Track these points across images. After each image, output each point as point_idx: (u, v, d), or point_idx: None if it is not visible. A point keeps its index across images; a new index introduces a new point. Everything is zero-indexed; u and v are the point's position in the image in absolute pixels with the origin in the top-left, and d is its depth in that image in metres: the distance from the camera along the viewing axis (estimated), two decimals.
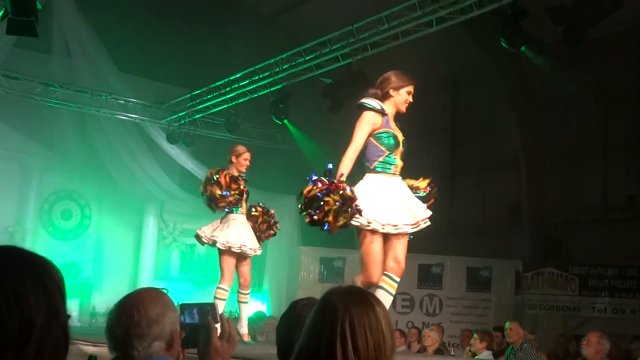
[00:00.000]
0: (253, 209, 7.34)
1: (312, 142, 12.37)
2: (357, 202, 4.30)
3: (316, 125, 12.21)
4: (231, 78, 11.01)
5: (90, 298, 12.19)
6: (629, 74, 10.94)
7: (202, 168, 12.18)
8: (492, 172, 12.06)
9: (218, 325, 2.13)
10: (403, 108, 4.89)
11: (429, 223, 4.80)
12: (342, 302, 1.67)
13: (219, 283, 7.10)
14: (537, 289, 11.11)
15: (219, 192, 6.89)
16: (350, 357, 1.60)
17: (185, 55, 12.20)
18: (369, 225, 4.53)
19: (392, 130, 4.76)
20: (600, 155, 11.38)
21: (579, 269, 10.85)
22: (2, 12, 7.17)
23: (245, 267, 7.22)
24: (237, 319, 7.69)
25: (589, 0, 7.09)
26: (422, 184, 5.11)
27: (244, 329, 7.24)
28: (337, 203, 4.20)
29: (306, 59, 9.86)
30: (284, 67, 10.21)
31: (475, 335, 8.10)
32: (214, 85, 11.35)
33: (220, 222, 7.20)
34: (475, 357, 7.87)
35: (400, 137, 4.83)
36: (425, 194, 5.06)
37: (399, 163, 4.79)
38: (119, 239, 13.02)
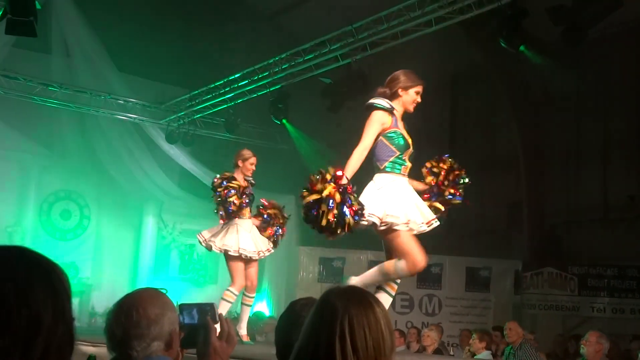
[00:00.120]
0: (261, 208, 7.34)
1: (311, 142, 12.37)
2: (355, 205, 4.27)
3: (315, 125, 12.21)
4: (230, 78, 11.02)
5: (89, 298, 12.19)
6: (629, 73, 10.94)
7: (201, 168, 12.20)
8: (491, 172, 12.05)
9: (218, 326, 2.13)
10: (411, 108, 4.85)
11: (438, 222, 4.78)
12: (341, 302, 1.67)
13: (230, 286, 7.09)
14: (536, 289, 11.11)
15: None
16: (349, 357, 1.60)
17: (185, 55, 12.20)
18: (407, 224, 4.50)
19: (401, 131, 4.73)
20: (599, 155, 11.38)
21: (578, 268, 10.85)
22: (1, 12, 7.17)
23: (252, 270, 7.18)
24: (236, 320, 7.68)
25: (588, 0, 7.09)
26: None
27: (243, 330, 7.23)
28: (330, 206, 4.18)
29: (305, 59, 9.87)
30: (283, 67, 10.21)
31: (474, 335, 8.09)
32: (213, 85, 11.35)
33: (221, 227, 7.19)
34: (475, 357, 7.87)
35: (410, 139, 4.80)
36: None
37: (408, 164, 4.77)
38: (118, 239, 13.02)
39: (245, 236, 7.06)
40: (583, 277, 10.75)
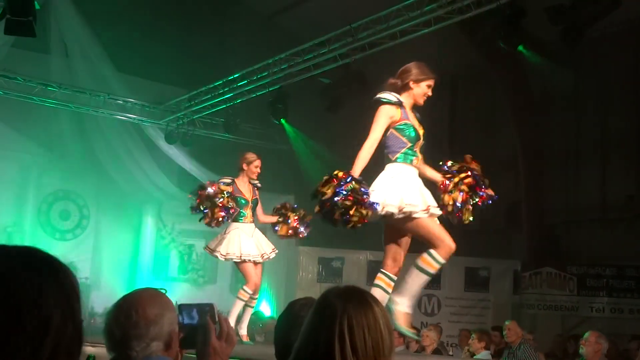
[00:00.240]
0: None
1: (309, 142, 12.36)
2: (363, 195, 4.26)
3: (314, 126, 12.21)
4: (229, 78, 11.02)
5: (88, 298, 12.18)
6: (628, 73, 10.95)
7: (200, 168, 12.19)
8: (490, 172, 12.02)
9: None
10: (421, 101, 4.83)
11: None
12: (340, 302, 1.67)
13: (245, 285, 7.10)
14: (535, 289, 11.11)
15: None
16: (348, 357, 1.60)
17: (184, 55, 12.19)
18: (428, 211, 4.50)
19: (411, 123, 4.72)
20: (598, 155, 11.39)
21: (577, 268, 10.85)
22: (0, 12, 7.16)
23: (259, 273, 7.21)
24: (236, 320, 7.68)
25: (586, 0, 7.10)
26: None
27: (243, 330, 7.24)
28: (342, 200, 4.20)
29: (304, 59, 9.87)
30: (282, 67, 10.21)
31: (473, 335, 8.10)
32: (212, 85, 11.35)
33: (224, 233, 7.21)
34: (474, 357, 7.88)
35: (421, 130, 4.79)
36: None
37: (419, 156, 4.76)
38: (117, 239, 13.01)
39: (247, 241, 7.07)
40: (582, 277, 10.76)
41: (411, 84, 4.77)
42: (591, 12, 7.13)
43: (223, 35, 12.72)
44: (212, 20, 12.75)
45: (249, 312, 7.37)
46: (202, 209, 6.99)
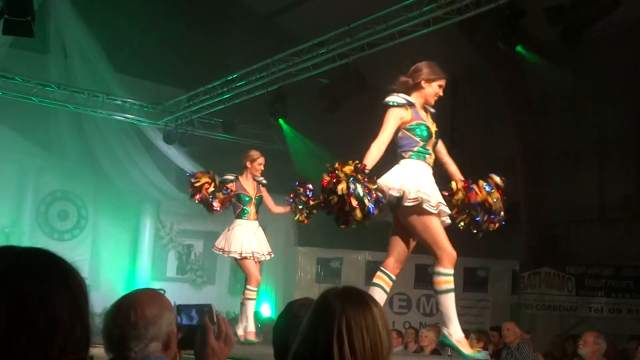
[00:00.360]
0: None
1: (306, 143, 12.35)
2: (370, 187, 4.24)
3: (313, 126, 12.20)
4: (228, 78, 11.00)
5: None
6: (627, 73, 10.95)
7: (199, 169, 12.17)
8: (488, 172, 12.05)
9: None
10: (432, 101, 4.84)
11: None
12: (338, 302, 1.67)
13: (248, 285, 7.12)
14: (534, 289, 11.12)
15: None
16: (347, 358, 1.60)
17: (182, 55, 12.18)
18: (437, 208, 4.49)
19: (424, 122, 4.72)
20: (597, 155, 11.39)
21: (575, 268, 10.86)
22: None
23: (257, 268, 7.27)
24: (235, 320, 7.71)
25: (585, 0, 7.10)
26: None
27: (251, 327, 7.21)
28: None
29: (303, 59, 9.86)
30: (280, 67, 10.20)
31: (472, 335, 8.10)
32: (210, 85, 11.33)
33: (228, 231, 7.23)
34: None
35: (434, 128, 4.79)
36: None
37: (432, 154, 4.77)
38: (115, 239, 13.00)
39: (250, 238, 7.10)
40: (580, 277, 10.76)
41: (423, 83, 4.77)
42: (590, 12, 7.13)
43: (221, 36, 12.71)
44: (211, 20, 12.75)
45: (252, 309, 7.36)
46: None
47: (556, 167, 11.79)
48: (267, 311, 12.71)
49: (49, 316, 1.20)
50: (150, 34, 11.75)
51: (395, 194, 4.44)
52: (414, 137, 4.67)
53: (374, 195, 4.21)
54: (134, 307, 2.15)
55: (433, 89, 4.79)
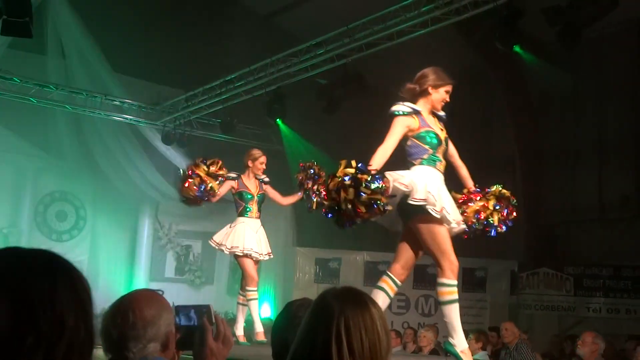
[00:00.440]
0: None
1: (304, 143, 12.35)
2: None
3: (311, 126, 12.20)
4: (226, 79, 11.00)
5: None
6: (626, 73, 10.96)
7: None
8: (487, 173, 12.04)
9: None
10: (439, 107, 4.83)
11: (464, 227, 4.78)
12: (337, 303, 1.67)
13: (247, 286, 7.12)
14: (532, 289, 11.13)
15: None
16: (345, 358, 1.60)
17: (181, 56, 12.17)
18: (440, 212, 4.47)
19: (432, 129, 4.71)
20: (595, 155, 11.40)
21: (574, 269, 10.87)
22: None
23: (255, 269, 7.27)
24: (233, 320, 7.70)
25: (584, 0, 7.10)
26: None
27: (239, 330, 7.24)
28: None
29: (301, 59, 9.86)
30: (279, 67, 10.20)
31: (470, 336, 8.09)
32: (209, 86, 11.33)
33: (229, 227, 7.23)
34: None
35: (442, 135, 4.78)
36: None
37: (443, 161, 4.76)
38: (114, 240, 13.00)
39: (252, 236, 7.11)
40: (579, 277, 10.78)
41: (430, 90, 4.76)
42: (589, 12, 7.14)
43: (220, 36, 12.71)
44: (209, 20, 12.75)
45: (244, 312, 7.38)
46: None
47: (555, 167, 11.80)
48: (267, 311, 12.72)
49: (55, 318, 1.21)
50: (148, 34, 11.75)
51: (403, 188, 4.43)
52: (423, 145, 4.65)
53: (383, 199, 4.18)
54: (132, 308, 2.15)
55: (440, 95, 4.78)
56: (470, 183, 5.11)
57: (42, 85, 11.07)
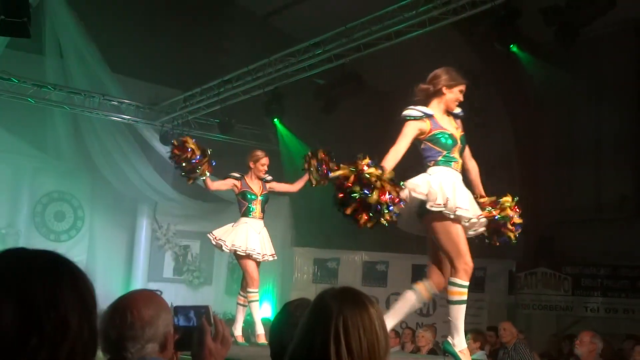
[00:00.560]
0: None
1: (301, 144, 12.33)
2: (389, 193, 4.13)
3: (309, 126, 12.20)
4: (224, 79, 11.00)
5: None
6: (622, 73, 10.98)
7: None
8: (485, 172, 12.05)
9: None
10: (453, 106, 4.84)
11: (483, 229, 4.77)
12: (335, 303, 1.67)
13: (248, 287, 7.11)
14: (530, 289, 11.14)
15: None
16: (344, 358, 1.60)
17: (179, 56, 12.17)
18: (454, 211, 4.44)
19: (445, 131, 4.70)
20: (593, 155, 11.42)
21: (571, 268, 10.87)
22: None
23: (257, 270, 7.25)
24: (231, 321, 7.70)
25: (582, 0, 7.11)
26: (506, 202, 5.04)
27: (238, 330, 7.25)
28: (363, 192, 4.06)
29: (299, 59, 9.86)
30: (277, 67, 10.20)
31: (468, 336, 8.08)
32: (207, 86, 11.32)
33: (232, 226, 7.23)
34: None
35: (458, 134, 4.78)
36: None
37: (459, 160, 4.76)
38: (112, 240, 12.99)
39: (254, 237, 7.10)
40: (577, 277, 10.78)
41: (444, 90, 4.77)
42: (586, 12, 7.15)
43: (218, 36, 12.71)
44: (207, 20, 12.74)
45: (243, 313, 7.38)
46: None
47: (553, 167, 11.81)
48: (267, 312, 12.72)
49: (59, 318, 1.22)
50: (146, 35, 11.75)
51: (421, 197, 4.42)
52: (436, 147, 4.65)
53: (397, 200, 4.16)
54: (130, 308, 2.15)
55: (454, 95, 4.80)
56: (479, 189, 5.08)
57: (40, 85, 11.05)
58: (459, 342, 4.64)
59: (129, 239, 13.21)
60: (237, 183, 7.22)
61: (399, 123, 4.70)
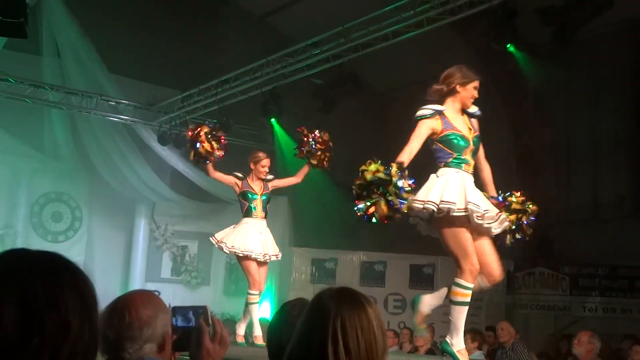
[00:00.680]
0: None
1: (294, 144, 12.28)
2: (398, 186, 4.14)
3: (307, 126, 12.16)
4: (222, 79, 11.00)
5: None
6: (620, 73, 10.99)
7: (193, 169, 12.17)
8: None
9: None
10: (469, 104, 4.80)
11: (507, 224, 4.75)
12: (333, 303, 1.67)
13: (248, 289, 7.10)
14: (528, 289, 11.14)
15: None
16: (341, 358, 1.60)
17: (176, 56, 12.17)
18: (465, 210, 4.42)
19: (457, 132, 4.67)
20: (590, 155, 11.43)
21: (569, 268, 10.89)
22: None
23: (261, 272, 7.18)
24: (229, 321, 7.69)
25: (577, 1, 7.12)
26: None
27: (241, 330, 7.22)
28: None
29: (297, 59, 9.87)
30: (274, 68, 10.21)
31: (466, 335, 8.11)
32: (204, 86, 11.32)
33: (233, 228, 7.21)
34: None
35: (471, 135, 4.74)
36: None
37: (471, 162, 4.73)
38: (109, 240, 12.97)
39: (254, 237, 7.06)
40: (574, 277, 10.79)
41: (458, 88, 4.74)
42: (584, 12, 7.15)
43: (216, 36, 12.70)
44: (205, 21, 12.74)
45: (256, 313, 7.33)
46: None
47: (550, 167, 11.82)
48: (266, 312, 12.72)
49: (60, 319, 1.22)
50: (144, 35, 11.73)
51: (432, 207, 4.41)
52: (446, 149, 4.64)
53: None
54: (128, 309, 2.15)
55: (469, 92, 4.76)
56: (491, 188, 5.05)
57: (38, 85, 11.04)
58: (458, 342, 4.64)
59: (127, 240, 13.19)
60: (239, 182, 7.19)
61: (413, 123, 4.68)
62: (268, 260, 7.21)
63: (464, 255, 4.52)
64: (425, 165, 4.73)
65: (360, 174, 4.18)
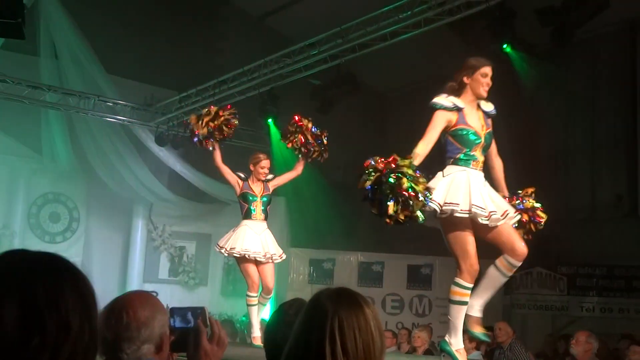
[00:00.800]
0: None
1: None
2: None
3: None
4: (220, 80, 10.99)
5: None
6: (617, 73, 11.00)
7: (191, 170, 12.17)
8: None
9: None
10: (482, 92, 4.73)
11: (517, 216, 4.72)
12: (331, 303, 1.67)
13: (247, 290, 7.09)
14: (525, 289, 11.15)
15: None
16: (339, 358, 1.61)
17: (174, 57, 12.16)
18: (469, 212, 4.41)
19: (469, 127, 4.63)
20: (588, 155, 11.44)
21: (567, 268, 10.90)
22: None
23: (266, 272, 7.14)
24: (227, 321, 7.68)
25: (576, 1, 7.13)
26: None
27: (255, 332, 7.18)
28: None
29: (295, 60, 9.87)
30: (272, 68, 10.20)
31: (464, 335, 8.10)
32: (202, 87, 11.32)
33: (232, 231, 7.20)
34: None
35: (483, 131, 4.70)
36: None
37: (480, 158, 4.68)
38: (107, 241, 12.95)
39: (252, 237, 7.04)
40: (572, 276, 10.81)
41: (465, 80, 4.69)
42: (581, 13, 7.16)
43: (213, 37, 12.69)
44: (203, 21, 12.73)
45: (259, 311, 7.29)
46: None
47: (547, 167, 11.82)
48: (265, 312, 12.71)
49: (61, 319, 1.23)
50: (141, 35, 11.73)
51: (436, 207, 4.41)
52: (457, 143, 4.60)
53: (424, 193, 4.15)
54: (126, 309, 2.15)
55: (476, 81, 4.69)
56: (502, 186, 5.00)
57: (35, 86, 11.03)
58: (456, 341, 4.64)
59: (125, 240, 13.18)
60: (240, 183, 7.18)
61: (429, 111, 4.62)
62: (271, 261, 7.16)
63: (464, 256, 4.52)
64: (434, 158, 4.71)
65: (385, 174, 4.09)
